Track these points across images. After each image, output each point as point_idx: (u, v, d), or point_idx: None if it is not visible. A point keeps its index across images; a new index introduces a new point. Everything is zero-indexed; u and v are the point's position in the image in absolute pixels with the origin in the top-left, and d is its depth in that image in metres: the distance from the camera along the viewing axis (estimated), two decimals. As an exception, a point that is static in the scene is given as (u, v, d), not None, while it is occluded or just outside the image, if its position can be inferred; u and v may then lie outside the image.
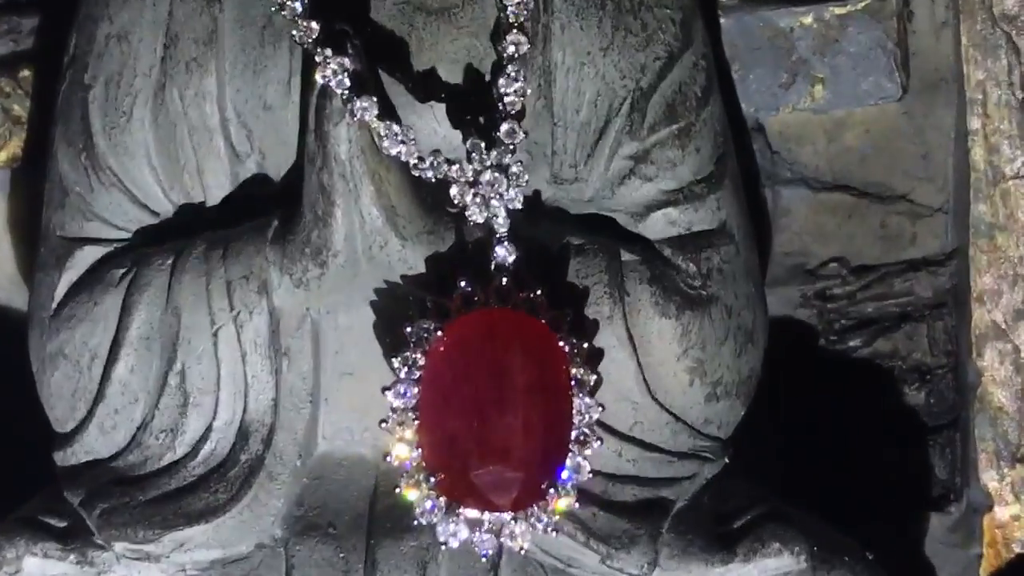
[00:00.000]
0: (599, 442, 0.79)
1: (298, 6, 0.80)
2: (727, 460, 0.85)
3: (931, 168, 0.92)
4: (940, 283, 0.94)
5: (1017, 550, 0.92)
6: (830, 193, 0.94)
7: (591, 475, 0.79)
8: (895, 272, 0.94)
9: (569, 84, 0.84)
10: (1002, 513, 0.91)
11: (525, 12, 0.82)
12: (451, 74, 0.83)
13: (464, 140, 0.81)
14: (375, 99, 0.78)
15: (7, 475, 0.91)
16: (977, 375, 0.93)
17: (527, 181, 0.80)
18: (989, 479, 0.92)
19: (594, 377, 0.80)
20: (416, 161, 0.79)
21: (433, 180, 0.79)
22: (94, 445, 0.84)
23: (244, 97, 0.84)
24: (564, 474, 0.79)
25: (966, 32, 0.91)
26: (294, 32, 0.80)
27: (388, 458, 0.78)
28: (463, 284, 0.79)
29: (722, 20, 0.91)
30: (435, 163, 0.79)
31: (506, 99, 0.80)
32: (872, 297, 0.95)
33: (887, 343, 0.95)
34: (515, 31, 0.81)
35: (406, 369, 0.79)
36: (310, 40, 0.79)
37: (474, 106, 0.83)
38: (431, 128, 0.82)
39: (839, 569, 0.82)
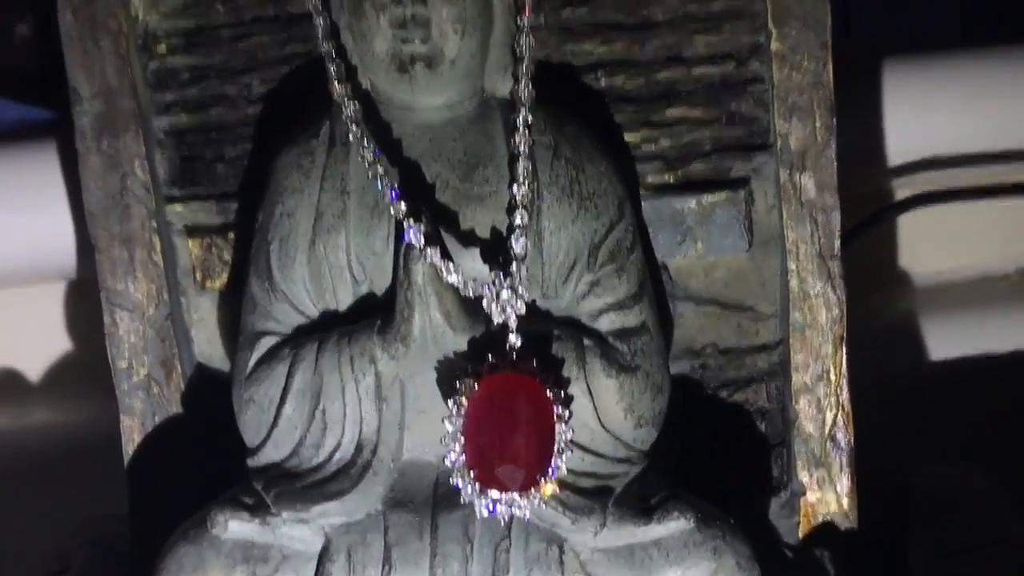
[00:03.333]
0: (570, 452, 0.84)
1: (393, 195, 0.84)
2: (646, 463, 0.88)
3: (767, 291, 0.95)
4: (773, 360, 0.95)
5: (820, 519, 0.94)
6: (706, 306, 0.95)
7: (566, 472, 0.84)
8: (746, 353, 0.95)
9: (552, 240, 0.87)
10: (811, 497, 0.94)
11: (526, 199, 0.85)
12: (483, 233, 0.86)
13: (491, 272, 0.85)
14: (438, 248, 0.84)
15: (221, 471, 0.91)
16: (795, 415, 0.93)
17: (527, 297, 0.84)
18: (803, 476, 0.93)
19: (567, 413, 0.84)
20: (462, 285, 0.84)
21: (472, 296, 0.84)
22: (270, 455, 0.89)
23: (361, 248, 0.87)
24: (550, 471, 0.83)
25: (786, 211, 0.92)
26: (391, 209, 0.85)
27: (445, 461, 0.83)
28: (490, 357, 0.84)
29: (643, 202, 0.93)
30: (474, 286, 0.84)
31: (515, 249, 0.85)
32: (732, 367, 0.95)
33: (742, 395, 0.95)
34: (520, 209, 0.85)
35: (456, 408, 0.83)
36: (400, 214, 0.84)
37: (496, 253, 0.86)
38: (471, 265, 0.85)
39: (713, 528, 0.84)
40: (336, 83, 0.86)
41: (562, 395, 0.85)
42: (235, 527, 0.86)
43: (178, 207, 0.96)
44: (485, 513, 0.83)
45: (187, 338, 0.97)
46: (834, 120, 0.91)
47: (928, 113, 1.26)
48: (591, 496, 0.86)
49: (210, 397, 0.96)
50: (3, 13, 1.40)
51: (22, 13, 1.38)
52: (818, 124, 0.91)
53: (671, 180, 0.93)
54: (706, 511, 0.85)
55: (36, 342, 1.28)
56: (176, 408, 0.96)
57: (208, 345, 0.97)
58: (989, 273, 1.32)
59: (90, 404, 1.19)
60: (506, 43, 0.87)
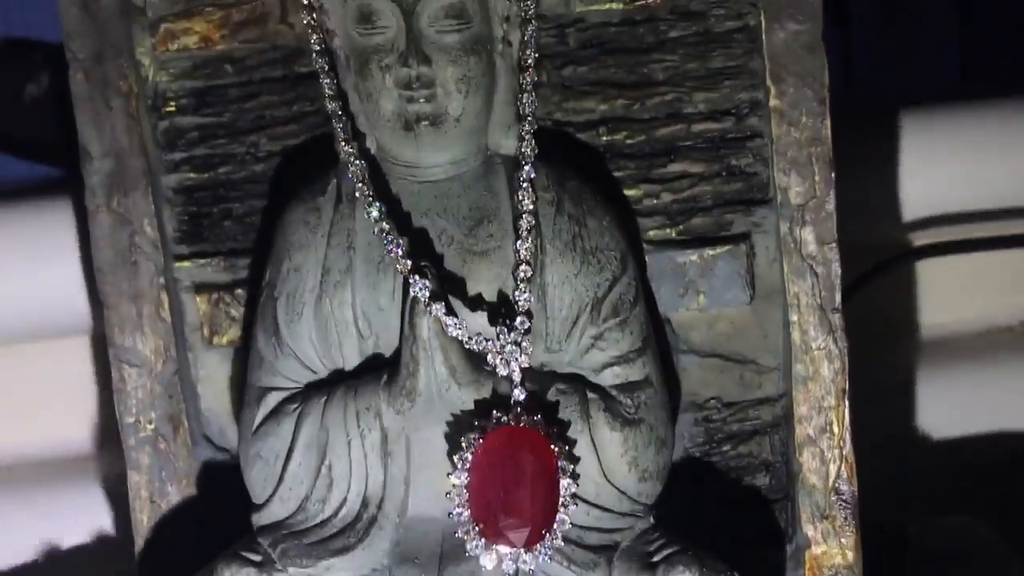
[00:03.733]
0: (575, 505, 0.85)
1: (398, 251, 0.85)
2: (652, 517, 0.89)
3: (769, 344, 0.94)
4: (776, 412, 0.95)
5: (826, 573, 0.93)
6: (710, 358, 0.95)
7: (570, 526, 0.84)
8: (749, 405, 0.95)
9: (555, 295, 0.87)
10: (816, 550, 0.94)
11: (529, 254, 0.86)
12: (487, 288, 0.87)
13: (495, 326, 0.85)
14: (443, 303, 0.84)
15: (226, 526, 0.91)
16: (799, 467, 0.93)
17: (531, 351, 0.85)
18: (808, 529, 0.93)
19: (572, 467, 0.85)
20: (467, 340, 0.84)
21: (477, 350, 0.85)
22: (276, 511, 0.89)
23: (367, 303, 0.88)
24: (555, 526, 0.83)
25: (786, 264, 0.92)
26: (397, 265, 0.85)
27: (451, 516, 0.84)
28: (495, 412, 0.84)
29: (645, 256, 0.94)
30: (478, 341, 0.84)
31: (519, 303, 0.85)
32: (736, 420, 0.95)
33: (746, 448, 0.95)
34: (524, 264, 0.86)
35: (461, 462, 0.84)
36: (406, 270, 0.85)
37: (500, 307, 0.86)
38: (476, 320, 0.86)
39: None
40: (343, 141, 0.87)
41: (567, 449, 0.85)
42: (241, 584, 0.86)
43: (186, 264, 0.97)
44: (490, 567, 0.83)
45: (194, 394, 0.97)
46: (833, 174, 0.91)
47: (932, 165, 1.26)
48: (596, 550, 0.86)
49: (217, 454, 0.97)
50: (14, 74, 1.42)
51: (34, 73, 1.41)
52: (817, 178, 0.91)
53: (673, 234, 0.94)
54: (711, 565, 0.84)
55: (58, 396, 1.27)
56: (183, 463, 0.96)
57: (215, 401, 0.97)
58: (994, 324, 1.31)
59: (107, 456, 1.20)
60: (509, 101, 0.88)
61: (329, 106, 0.88)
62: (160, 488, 0.97)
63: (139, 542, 0.97)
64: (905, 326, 1.29)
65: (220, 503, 0.97)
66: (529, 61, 0.87)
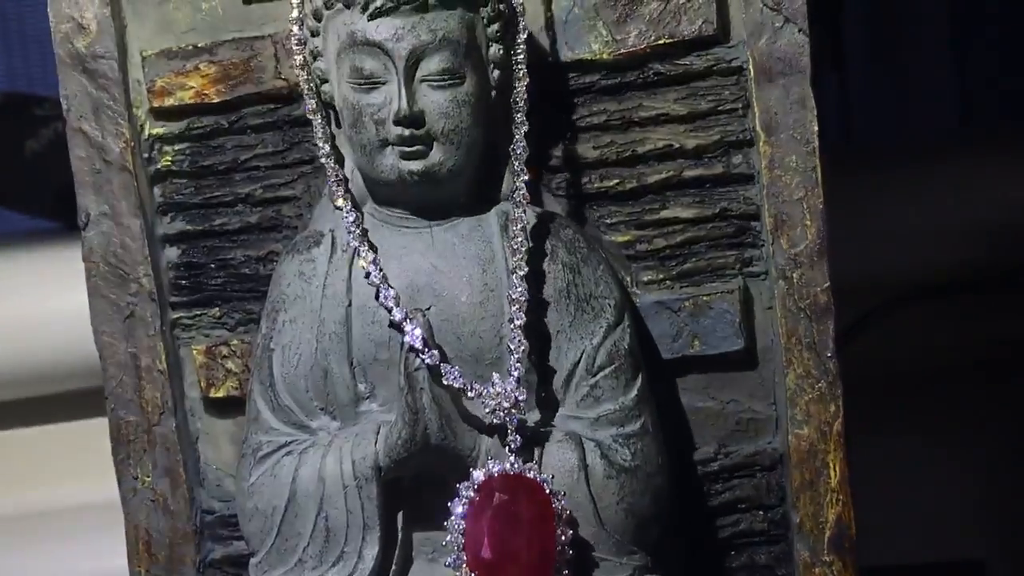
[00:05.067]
0: (571, 552, 0.84)
1: (392, 302, 0.85)
2: (650, 563, 0.88)
3: (764, 390, 0.94)
4: (773, 457, 0.93)
5: None
6: (704, 404, 0.94)
7: (567, 573, 0.84)
8: (745, 451, 0.94)
9: (550, 344, 0.88)
10: None
11: (523, 301, 0.85)
12: (482, 336, 0.86)
13: (490, 374, 0.85)
14: (438, 351, 0.84)
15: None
16: (796, 512, 0.92)
17: (525, 399, 0.85)
18: (807, 575, 0.91)
19: (567, 513, 0.85)
20: (462, 388, 0.84)
21: (472, 398, 0.85)
22: (274, 564, 0.88)
23: (364, 355, 0.88)
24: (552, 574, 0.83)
25: (780, 309, 0.91)
26: (391, 314, 0.85)
27: (447, 565, 0.83)
28: (491, 460, 0.84)
29: (637, 301, 0.93)
30: (474, 389, 0.84)
31: (514, 351, 0.85)
32: (732, 466, 0.94)
33: (743, 493, 0.94)
34: (518, 311, 0.85)
35: (458, 511, 0.83)
36: (400, 319, 0.84)
37: (495, 355, 0.87)
38: (471, 368, 0.86)
39: None
40: (336, 192, 0.88)
41: (563, 496, 0.85)
42: (239, 637, 0.86)
43: (183, 315, 0.97)
44: (488, 617, 0.83)
45: (192, 447, 0.97)
46: (825, 221, 0.91)
47: (926, 210, 1.28)
48: (595, 598, 0.86)
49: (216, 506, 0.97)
50: (15, 128, 1.44)
51: (34, 128, 1.42)
52: (809, 223, 0.91)
53: (665, 279, 0.94)
54: (709, 611, 0.85)
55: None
56: (182, 520, 0.96)
57: (213, 453, 0.97)
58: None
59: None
60: (502, 149, 0.89)
61: (323, 159, 0.89)
62: (159, 540, 0.96)
63: (138, 596, 0.98)
64: (901, 370, 1.29)
65: (218, 556, 0.98)
66: (520, 107, 0.87)
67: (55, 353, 1.29)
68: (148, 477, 0.96)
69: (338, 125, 0.90)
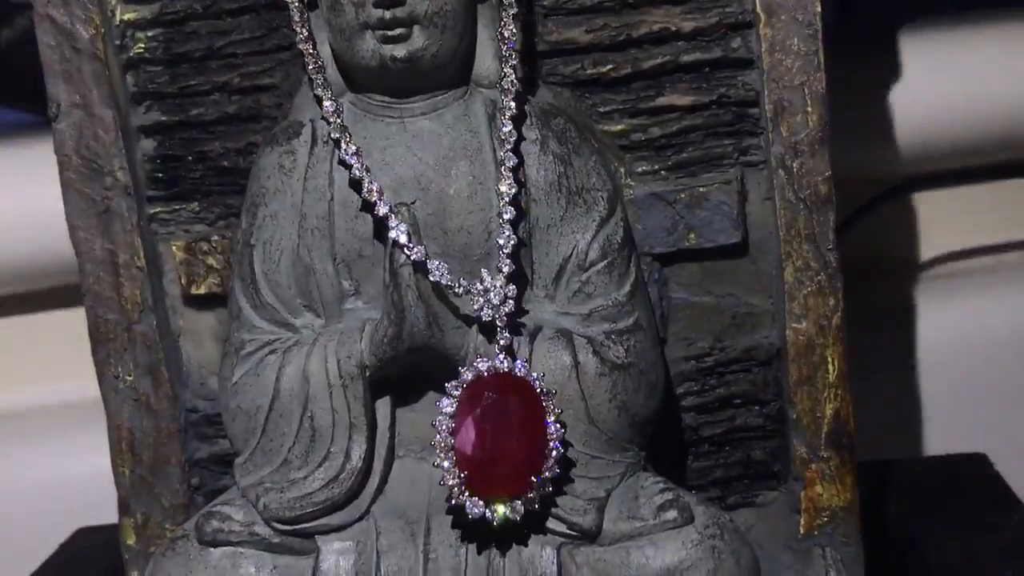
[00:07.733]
0: (564, 452, 0.83)
1: (376, 194, 0.83)
2: (642, 462, 0.87)
3: (762, 282, 0.93)
4: (770, 352, 0.93)
5: (822, 514, 0.92)
6: (701, 298, 0.93)
7: (558, 471, 0.82)
8: (742, 346, 0.93)
9: (541, 238, 0.86)
10: (811, 491, 0.92)
11: (512, 193, 0.83)
12: (469, 230, 0.84)
13: (479, 269, 0.83)
14: (424, 247, 0.82)
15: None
16: (793, 408, 0.91)
17: (515, 295, 0.83)
18: (803, 471, 0.91)
19: (560, 412, 0.83)
20: (449, 284, 0.82)
21: (461, 294, 0.83)
22: (259, 464, 0.87)
23: (347, 250, 0.86)
24: (543, 472, 0.81)
25: (779, 200, 0.89)
26: (375, 209, 0.83)
27: (435, 465, 0.82)
28: (480, 358, 0.82)
29: (633, 192, 0.91)
30: (461, 284, 0.82)
31: (503, 246, 0.83)
32: (729, 361, 0.93)
33: (739, 388, 0.94)
34: (507, 205, 0.83)
35: (447, 411, 0.81)
36: (384, 213, 0.82)
37: (483, 249, 0.85)
38: (459, 263, 0.84)
39: (711, 527, 0.81)
40: (316, 80, 0.85)
41: (554, 394, 0.83)
42: (224, 538, 0.84)
43: (160, 210, 0.95)
44: (476, 515, 0.81)
45: (174, 345, 0.96)
46: (827, 108, 0.88)
47: (930, 93, 1.24)
48: (586, 496, 0.84)
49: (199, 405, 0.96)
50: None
51: (6, 18, 1.38)
52: (810, 110, 0.89)
53: (661, 169, 0.92)
54: (704, 510, 0.84)
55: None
56: (166, 419, 0.95)
57: (196, 352, 0.96)
58: (993, 254, 1.31)
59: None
60: (491, 35, 0.86)
61: (301, 46, 0.85)
62: (142, 440, 0.95)
63: (121, 494, 0.96)
64: (904, 257, 1.27)
65: (204, 455, 0.97)
66: (510, -9, 0.85)
67: (31, 250, 1.27)
68: (130, 376, 0.95)
69: (314, 8, 0.87)
